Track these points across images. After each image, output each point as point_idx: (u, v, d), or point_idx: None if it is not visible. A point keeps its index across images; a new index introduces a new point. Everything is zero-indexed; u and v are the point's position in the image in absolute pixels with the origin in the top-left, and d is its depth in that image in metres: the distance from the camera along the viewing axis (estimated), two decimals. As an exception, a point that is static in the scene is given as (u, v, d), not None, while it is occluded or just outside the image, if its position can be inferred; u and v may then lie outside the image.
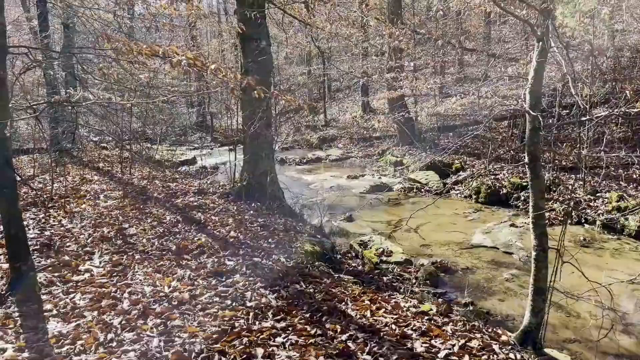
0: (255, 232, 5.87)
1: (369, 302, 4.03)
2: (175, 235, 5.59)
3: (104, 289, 4.02)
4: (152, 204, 6.95)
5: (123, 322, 3.47)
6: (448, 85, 16.78)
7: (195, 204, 7.05)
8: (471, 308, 5.70)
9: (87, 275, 4.33)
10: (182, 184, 8.89)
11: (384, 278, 6.37)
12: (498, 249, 7.77)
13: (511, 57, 20.40)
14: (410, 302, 4.15)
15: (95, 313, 3.60)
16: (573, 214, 8.92)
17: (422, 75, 15.88)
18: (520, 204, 9.95)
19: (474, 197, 10.69)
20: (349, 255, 7.51)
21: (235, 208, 7.02)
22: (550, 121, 11.28)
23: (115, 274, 4.38)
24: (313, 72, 28.48)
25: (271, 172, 8.15)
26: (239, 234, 5.70)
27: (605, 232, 8.34)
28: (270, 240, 5.68)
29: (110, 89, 11.74)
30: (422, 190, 11.50)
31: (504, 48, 22.90)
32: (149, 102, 8.45)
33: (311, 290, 4.23)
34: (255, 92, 4.28)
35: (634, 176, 9.75)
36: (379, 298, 4.16)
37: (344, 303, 4.02)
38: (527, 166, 3.65)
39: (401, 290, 6.05)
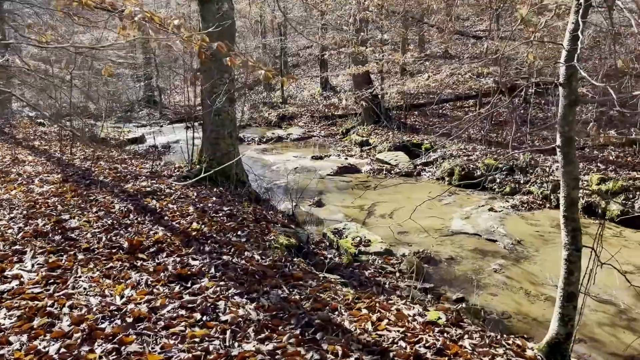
0: (222, 224, 5.13)
1: (367, 311, 3.42)
2: (126, 228, 4.77)
3: (37, 302, 3.21)
4: (97, 190, 6.05)
5: (62, 350, 2.71)
6: (418, 61, 16.30)
7: (148, 189, 6.20)
8: (464, 305, 5.25)
9: (15, 283, 3.50)
10: (132, 166, 7.96)
11: (366, 272, 5.80)
12: (480, 236, 7.37)
13: (475, 35, 20.20)
14: (413, 308, 3.58)
15: (25, 337, 2.82)
16: (552, 197, 8.66)
17: (390, 50, 15.30)
18: (495, 186, 9.62)
19: (447, 179, 10.30)
20: (323, 245, 6.90)
21: (195, 194, 6.23)
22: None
23: (52, 280, 3.57)
24: (269, 45, 27.36)
25: (235, 153, 7.38)
26: (203, 226, 4.95)
27: (586, 215, 8.12)
28: (239, 232, 4.97)
29: (48, 60, 10.49)
30: (392, 172, 11.01)
31: (463, 26, 22.70)
32: (90, 73, 7.41)
33: (297, 296, 3.58)
34: (228, 58, 3.52)
35: (610, 157, 9.60)
36: (377, 305, 3.56)
37: (337, 313, 3.40)
38: (558, 150, 3.10)
39: (386, 285, 5.52)
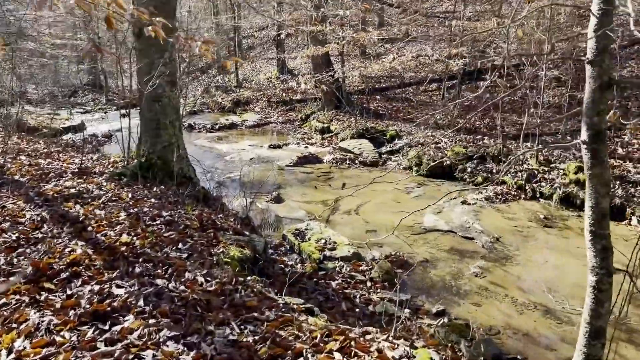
0: (159, 234, 4.26)
1: (340, 356, 2.68)
2: (35, 245, 3.84)
3: None
4: (7, 193, 5.04)
5: None
6: (379, 43, 15.61)
7: (73, 191, 5.23)
8: (446, 320, 4.61)
9: None
10: (58, 161, 6.90)
11: (333, 283, 5.08)
12: (455, 233, 6.77)
13: (438, 15, 19.66)
14: (398, 347, 2.87)
15: None
16: (527, 187, 8.17)
17: (351, 31, 14.51)
18: (466, 176, 9.08)
19: (414, 169, 9.68)
20: (282, 249, 6.14)
21: (130, 196, 5.30)
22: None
23: None
24: (222, 26, 26.03)
25: (179, 145, 6.46)
26: (135, 239, 4.07)
27: (564, 207, 7.67)
28: (180, 246, 4.12)
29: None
30: (356, 161, 10.30)
31: (425, 7, 22.17)
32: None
33: (250, 338, 2.80)
34: (154, 31, 2.66)
35: (584, 145, 9.21)
36: (353, 343, 2.83)
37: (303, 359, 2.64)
38: (584, 147, 2.43)
39: (356, 299, 4.82)
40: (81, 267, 3.49)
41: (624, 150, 8.56)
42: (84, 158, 7.01)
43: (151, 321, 2.87)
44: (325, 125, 12.94)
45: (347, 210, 7.65)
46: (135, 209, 4.81)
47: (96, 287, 3.23)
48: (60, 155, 7.40)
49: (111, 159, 6.97)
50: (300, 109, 15.83)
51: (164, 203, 5.22)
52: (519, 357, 4.13)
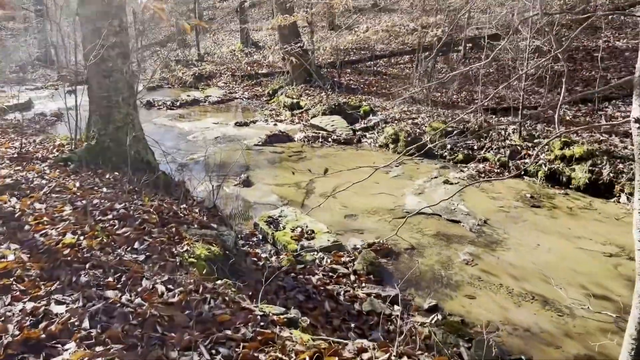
0: (111, 232, 3.66)
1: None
2: (-46, 251, 3.20)
3: None
4: None
5: None
6: (347, 13, 14.98)
7: (9, 181, 4.52)
8: (440, 317, 4.20)
9: None
10: (-5, 145, 6.13)
11: (313, 278, 4.60)
12: (440, 216, 6.38)
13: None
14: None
15: None
16: (510, 164, 7.84)
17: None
18: (446, 153, 8.68)
19: (391, 146, 9.23)
20: (255, 240, 5.61)
21: (77, 185, 4.64)
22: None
23: None
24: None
25: (134, 125, 5.79)
26: (82, 238, 3.46)
27: (549, 184, 7.37)
28: (137, 245, 3.53)
29: None
30: (329, 139, 9.77)
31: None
32: None
33: (223, 369, 2.29)
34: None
35: (567, 117, 8.95)
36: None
37: (290, 394, 2.16)
38: (636, 125, 1.97)
39: (340, 296, 4.36)
40: (12, 279, 2.88)
41: (608, 122, 8.32)
42: (25, 141, 6.24)
43: (98, 349, 2.33)
44: (295, 100, 12.31)
45: (323, 194, 7.15)
46: (83, 201, 4.17)
47: (29, 305, 2.64)
48: (-2, 138, 6.61)
49: (57, 142, 6.21)
50: (267, 84, 15.13)
51: (117, 193, 4.59)
52: (522, 357, 3.77)
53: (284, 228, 5.59)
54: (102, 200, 4.25)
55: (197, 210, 4.60)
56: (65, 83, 19.82)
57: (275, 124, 11.15)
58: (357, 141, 9.75)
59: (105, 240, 3.50)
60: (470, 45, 14.74)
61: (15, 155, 5.44)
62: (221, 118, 12.00)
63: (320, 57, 14.34)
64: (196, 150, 9.23)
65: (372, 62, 15.37)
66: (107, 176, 5.11)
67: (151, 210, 4.17)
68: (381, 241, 5.50)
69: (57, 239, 3.43)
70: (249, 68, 17.06)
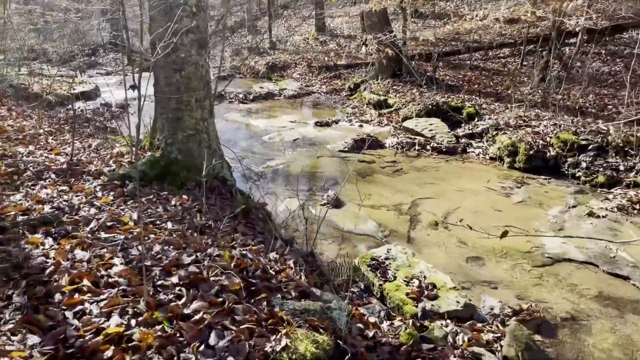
0: (176, 312, 2.50)
1: None
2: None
3: None
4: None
5: None
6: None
7: (48, 208, 3.49)
8: None
9: None
10: (43, 149, 5.19)
11: (450, 370, 3.28)
12: (597, 266, 4.87)
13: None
14: None
15: None
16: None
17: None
18: (580, 173, 7.07)
19: (506, 160, 7.70)
20: (356, 291, 4.34)
21: (135, 217, 3.55)
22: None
23: None
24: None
25: (208, 134, 4.67)
26: (133, 324, 2.33)
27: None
28: (213, 339, 2.34)
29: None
30: (427, 147, 8.35)
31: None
32: None
33: None
34: None
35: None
36: None
37: None
38: None
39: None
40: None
41: None
42: (78, 145, 5.28)
43: None
44: (382, 97, 10.94)
45: (432, 222, 5.79)
46: (140, 247, 3.05)
47: None
48: (50, 138, 5.69)
49: (115, 149, 5.19)
50: (347, 77, 13.84)
51: (185, 233, 3.46)
52: None
53: (395, 278, 4.29)
54: (166, 248, 3.12)
55: (291, 263, 3.38)
56: (131, 71, 19.46)
57: (360, 125, 9.85)
58: (462, 151, 8.28)
59: (167, 330, 2.34)
60: (586, 37, 12.78)
61: (64, 166, 4.44)
62: (298, 115, 10.84)
63: (411, 49, 12.85)
64: (273, 155, 8.10)
65: (466, 55, 13.72)
66: (173, 202, 4.00)
67: (231, 267, 2.99)
68: (530, 307, 4.09)
69: (97, 326, 2.30)
70: (326, 59, 15.82)
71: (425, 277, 4.32)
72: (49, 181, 4.07)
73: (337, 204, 6.18)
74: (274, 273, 3.14)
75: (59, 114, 8.40)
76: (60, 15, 23.16)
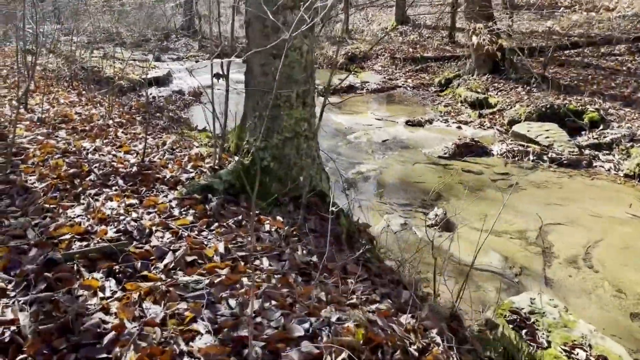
0: None
1: None
2: None
3: None
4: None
5: None
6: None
7: (112, 233, 2.72)
8: None
9: None
10: (113, 145, 4.49)
11: None
12: None
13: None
14: None
15: None
16: None
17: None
18: None
19: (647, 179, 6.40)
20: (493, 356, 3.33)
21: (221, 249, 2.71)
22: None
23: None
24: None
25: (307, 136, 3.78)
26: None
27: None
28: None
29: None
30: (544, 157, 7.13)
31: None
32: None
33: None
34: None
35: None
36: None
37: None
38: None
39: None
40: None
41: None
42: (151, 142, 4.54)
43: None
44: (480, 96, 9.73)
45: (571, 258, 4.66)
46: (231, 304, 2.20)
47: None
48: (120, 131, 5.00)
49: (193, 150, 4.39)
50: (435, 71, 12.67)
51: (288, 275, 2.58)
52: None
53: (549, 344, 3.25)
54: (267, 306, 2.24)
55: (435, 334, 2.42)
56: (207, 54, 19.19)
57: (458, 127, 8.73)
58: (587, 164, 7.00)
59: None
60: None
61: (135, 169, 3.69)
62: (385, 112, 9.84)
63: (514, 43, 11.50)
64: (361, 157, 7.16)
65: (573, 52, 12.19)
66: (267, 226, 3.13)
67: (360, 346, 2.07)
68: None
69: None
70: (410, 50, 14.68)
71: (590, 345, 3.25)
72: (115, 189, 3.31)
73: (447, 225, 5.15)
74: (416, 354, 2.19)
75: (131, 101, 7.82)
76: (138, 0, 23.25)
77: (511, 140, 7.76)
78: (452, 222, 5.24)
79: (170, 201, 3.19)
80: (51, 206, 2.97)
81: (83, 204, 3.04)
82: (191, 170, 3.77)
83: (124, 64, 11.56)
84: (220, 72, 4.08)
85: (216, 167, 3.74)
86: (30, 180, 3.37)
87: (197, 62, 17.01)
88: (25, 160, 3.72)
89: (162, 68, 13.67)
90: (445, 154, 7.25)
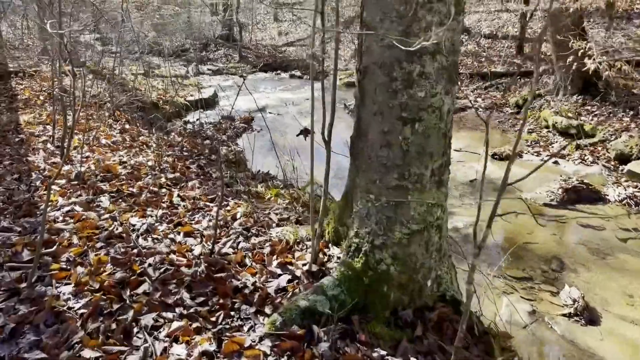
0: None
1: None
2: None
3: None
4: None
5: None
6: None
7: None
8: None
9: None
10: (167, 222, 3.53)
11: None
12: None
13: None
14: None
15: None
16: None
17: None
18: None
19: None
20: None
21: None
22: None
23: None
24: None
25: (441, 227, 2.75)
26: None
27: None
28: None
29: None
30: (676, 207, 5.90)
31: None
32: None
33: None
34: None
35: None
36: None
37: None
38: None
39: None
40: None
41: None
42: (213, 212, 3.55)
43: None
44: (573, 122, 8.49)
45: None
46: None
47: None
48: (175, 194, 4.03)
49: (273, 230, 3.31)
50: (508, 89, 11.45)
51: None
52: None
53: None
54: None
55: None
56: (250, 65, 18.42)
57: (555, 162, 7.51)
58: None
59: None
60: None
61: (202, 268, 2.71)
62: (461, 141, 8.69)
63: (605, 60, 10.20)
64: (449, 204, 6.06)
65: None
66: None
67: None
68: None
69: None
70: (476, 64, 13.48)
71: None
72: (179, 311, 2.35)
73: (591, 317, 4.01)
74: None
75: (178, 134, 6.92)
76: (176, 9, 22.69)
77: (628, 182, 6.53)
78: (593, 310, 4.10)
79: (261, 340, 2.19)
80: (93, 354, 2.02)
81: (137, 348, 2.08)
82: (279, 271, 2.77)
83: (167, 83, 10.79)
84: (308, 127, 3.10)
85: (313, 270, 2.73)
86: (64, 293, 2.45)
87: (242, 77, 16.22)
88: (58, 254, 2.81)
89: (206, 85, 12.90)
90: (551, 200, 6.09)
